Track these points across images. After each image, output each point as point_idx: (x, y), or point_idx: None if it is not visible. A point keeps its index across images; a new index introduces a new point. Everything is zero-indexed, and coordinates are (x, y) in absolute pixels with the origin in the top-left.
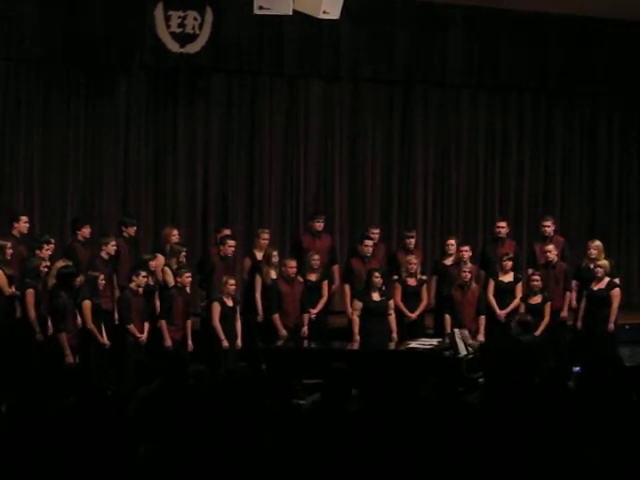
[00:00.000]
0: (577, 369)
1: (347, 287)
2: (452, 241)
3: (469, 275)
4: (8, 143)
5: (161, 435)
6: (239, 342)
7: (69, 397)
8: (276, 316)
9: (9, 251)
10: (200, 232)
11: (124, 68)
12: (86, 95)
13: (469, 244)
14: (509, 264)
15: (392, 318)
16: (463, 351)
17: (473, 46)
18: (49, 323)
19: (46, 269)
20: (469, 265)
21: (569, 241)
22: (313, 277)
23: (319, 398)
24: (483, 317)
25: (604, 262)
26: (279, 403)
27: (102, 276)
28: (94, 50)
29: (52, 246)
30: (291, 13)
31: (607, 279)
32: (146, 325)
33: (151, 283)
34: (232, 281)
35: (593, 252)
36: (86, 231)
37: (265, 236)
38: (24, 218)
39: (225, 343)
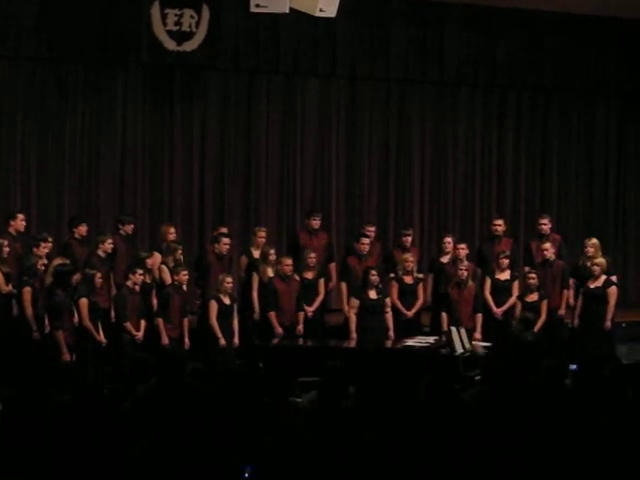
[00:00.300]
0: (574, 367)
1: (344, 285)
2: (449, 239)
3: (466, 273)
4: (4, 140)
5: (158, 433)
6: (236, 340)
7: (66, 395)
8: (272, 314)
9: (5, 249)
10: (197, 230)
11: (121, 66)
12: (83, 93)
13: (466, 242)
14: (506, 262)
15: (389, 316)
16: (460, 349)
17: (470, 44)
18: (46, 321)
19: (43, 267)
20: (466, 263)
21: (566, 239)
22: (310, 275)
23: (316, 396)
24: (480, 315)
25: (601, 260)
26: (276, 401)
27: (99, 274)
28: (91, 48)
29: (49, 244)
30: (288, 11)
31: (604, 277)
32: (143, 323)
33: (148, 281)
34: (229, 279)
35: (590, 250)
36: (83, 229)
37: (262, 234)
38: (21, 216)
39: (222, 341)
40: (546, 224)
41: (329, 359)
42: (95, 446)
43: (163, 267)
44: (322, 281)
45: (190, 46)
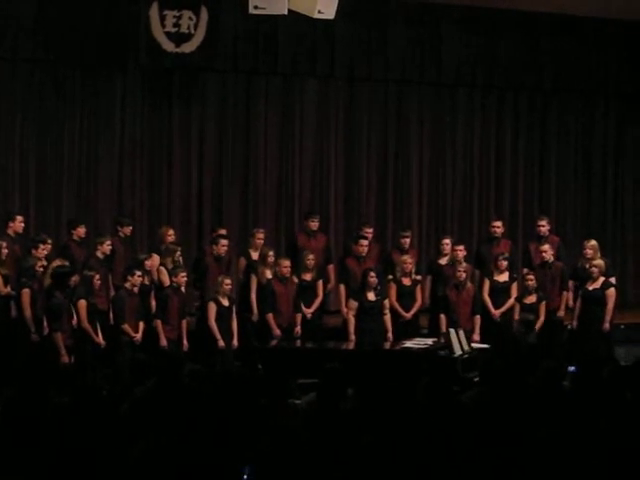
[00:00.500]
0: (572, 369)
1: (342, 287)
2: (447, 240)
3: (464, 275)
4: (3, 142)
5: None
6: (235, 342)
7: (64, 396)
8: (270, 316)
9: (4, 251)
10: (195, 232)
11: (119, 68)
12: (81, 94)
13: (464, 243)
14: (504, 264)
15: (387, 318)
16: (458, 351)
17: (468, 45)
18: (44, 323)
19: (42, 269)
20: (464, 265)
21: (564, 240)
22: (308, 277)
23: (314, 398)
24: (478, 317)
25: (599, 262)
26: (274, 402)
27: (98, 276)
28: (89, 49)
29: (48, 246)
30: (286, 13)
31: (602, 279)
32: (141, 325)
33: (147, 283)
34: (228, 281)
35: (589, 252)
36: (81, 231)
37: (260, 236)
38: (19, 218)
39: (221, 343)
40: (544, 225)
41: (328, 361)
42: (94, 448)
43: (162, 269)
44: (320, 283)
45: (189, 48)
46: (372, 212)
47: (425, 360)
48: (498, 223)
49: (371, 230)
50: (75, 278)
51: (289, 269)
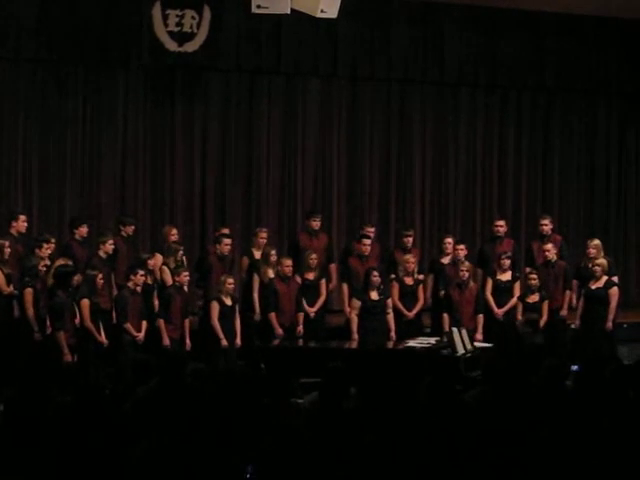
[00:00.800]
0: (575, 368)
1: (345, 286)
2: (449, 239)
3: (467, 274)
4: (6, 142)
5: (159, 434)
6: (238, 341)
7: (67, 396)
8: (272, 315)
9: (7, 250)
10: (198, 231)
11: (122, 67)
12: (84, 94)
13: (467, 243)
14: (507, 263)
15: (390, 317)
16: (461, 350)
17: (470, 45)
18: (47, 322)
19: (45, 268)
20: (467, 264)
21: (567, 240)
22: (311, 276)
23: (317, 397)
24: (481, 316)
25: (602, 261)
26: (277, 402)
27: (100, 275)
28: (92, 49)
29: (52, 245)
30: (289, 12)
31: (605, 278)
32: (144, 324)
33: (149, 282)
34: (230, 280)
35: (592, 251)
36: (83, 230)
37: (263, 235)
38: (22, 217)
39: (224, 342)
40: (547, 225)
41: (330, 360)
42: (96, 447)
43: (164, 268)
44: (324, 282)
45: (191, 47)
46: (375, 211)
47: (428, 359)
48: (501, 222)
49: (373, 229)
50: (77, 277)
51: (291, 268)
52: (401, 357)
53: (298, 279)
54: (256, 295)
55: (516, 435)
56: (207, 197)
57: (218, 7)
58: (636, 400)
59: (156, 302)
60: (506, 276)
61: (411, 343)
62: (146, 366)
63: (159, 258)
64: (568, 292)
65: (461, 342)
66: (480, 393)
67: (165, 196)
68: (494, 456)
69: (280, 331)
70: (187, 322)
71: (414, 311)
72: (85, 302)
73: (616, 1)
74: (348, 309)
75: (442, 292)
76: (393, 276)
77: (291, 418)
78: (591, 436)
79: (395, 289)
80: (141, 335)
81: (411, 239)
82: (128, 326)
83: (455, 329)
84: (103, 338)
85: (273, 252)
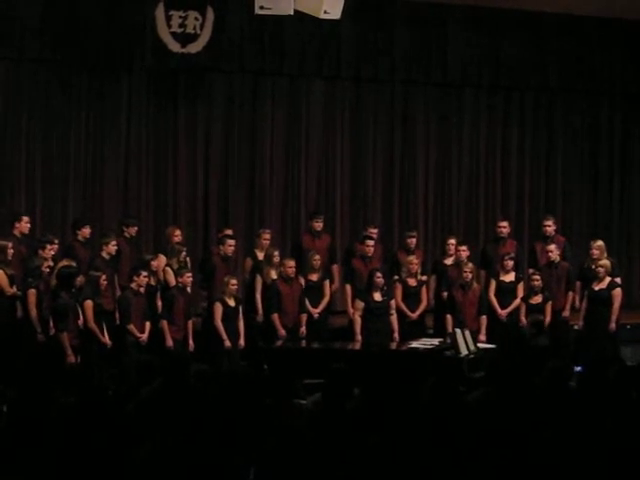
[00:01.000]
0: (579, 369)
1: (348, 287)
2: (452, 241)
3: (470, 275)
4: (9, 143)
5: (162, 435)
6: (242, 342)
7: (70, 397)
8: (275, 316)
9: (10, 251)
10: (201, 232)
11: (125, 68)
12: (87, 95)
13: (470, 244)
14: (510, 264)
15: (394, 318)
16: (464, 351)
17: (474, 45)
18: (51, 323)
19: (48, 269)
20: (470, 265)
21: (571, 241)
22: (314, 277)
23: (320, 398)
24: (484, 317)
25: (605, 262)
26: (280, 403)
27: (104, 276)
28: (95, 50)
29: (55, 246)
30: (292, 13)
31: (608, 279)
32: (147, 325)
33: (153, 283)
34: (234, 281)
35: (595, 252)
36: (86, 231)
37: (266, 236)
38: (25, 218)
39: (227, 343)
40: (550, 225)
41: (333, 361)
42: (99, 448)
43: (167, 269)
44: (327, 283)
45: (194, 48)
46: (378, 212)
47: (431, 360)
48: (504, 223)
49: (376, 230)
50: (80, 279)
51: (294, 269)
52: (404, 358)
53: (301, 280)
54: (259, 296)
55: (519, 436)
56: (210, 198)
57: (221, 8)
58: (639, 401)
59: (159, 303)
60: (509, 277)
61: (414, 344)
62: (149, 367)
63: (162, 259)
64: (570, 293)
65: (464, 343)
66: (483, 394)
67: (168, 198)
68: (497, 457)
69: (283, 332)
70: (190, 323)
71: (417, 312)
72: (88, 303)
73: (619, 2)
74: (351, 310)
75: (445, 293)
76: (396, 277)
77: (294, 419)
78: (594, 437)
79: (398, 290)
80: (144, 336)
81: (414, 240)
82: (131, 327)
83: (458, 330)
84: (106, 339)
85: (276, 253)
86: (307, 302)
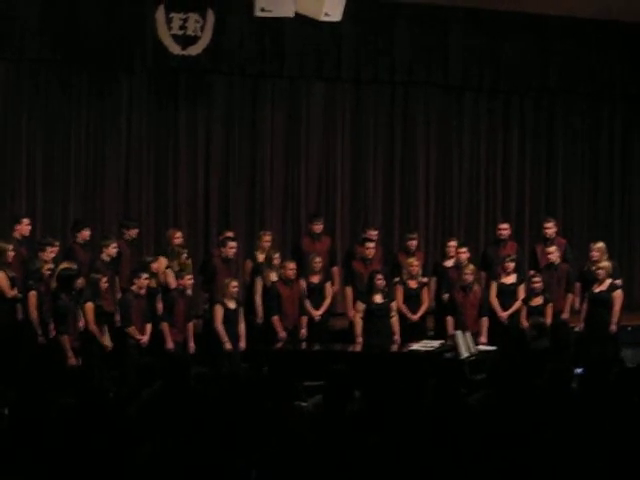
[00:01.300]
0: (580, 370)
1: (349, 289)
2: (453, 243)
3: (471, 277)
4: (10, 145)
5: (162, 437)
6: (242, 344)
7: (71, 399)
8: (275, 318)
9: (10, 253)
10: (202, 234)
11: (125, 70)
12: (87, 97)
13: (468, 246)
14: (511, 266)
15: (395, 320)
16: (465, 353)
17: (474, 47)
18: (51, 325)
19: (49, 271)
20: (470, 267)
21: (571, 243)
22: (316, 279)
23: (321, 400)
24: (485, 319)
25: (606, 264)
26: (281, 405)
27: (105, 278)
28: (95, 52)
29: (56, 248)
30: (293, 15)
31: (609, 281)
32: (148, 327)
33: (153, 285)
34: (234, 283)
35: (595, 254)
36: (86, 233)
37: (267, 238)
38: (26, 220)
39: (228, 345)
40: (551, 228)
41: (334, 363)
42: (100, 450)
43: (168, 271)
44: (329, 285)
45: (195, 50)
46: (378, 214)
47: (432, 362)
48: (505, 225)
49: (376, 232)
50: (81, 281)
51: (294, 271)
52: (405, 360)
53: (302, 282)
54: (259, 298)
55: (520, 438)
56: (211, 200)
57: (222, 10)
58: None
59: (160, 305)
60: (510, 279)
61: (415, 346)
62: (150, 369)
63: (163, 261)
64: (570, 295)
65: (465, 345)
66: (484, 396)
67: (169, 199)
68: (498, 459)
69: (283, 334)
70: (191, 325)
71: (418, 314)
72: (89, 305)
73: (619, 4)
74: (352, 312)
75: (446, 295)
76: (397, 279)
77: (295, 421)
78: (595, 439)
79: (399, 292)
80: (145, 338)
81: (415, 242)
82: (132, 329)
83: (459, 332)
84: (107, 341)
85: (276, 255)
86: (308, 304)
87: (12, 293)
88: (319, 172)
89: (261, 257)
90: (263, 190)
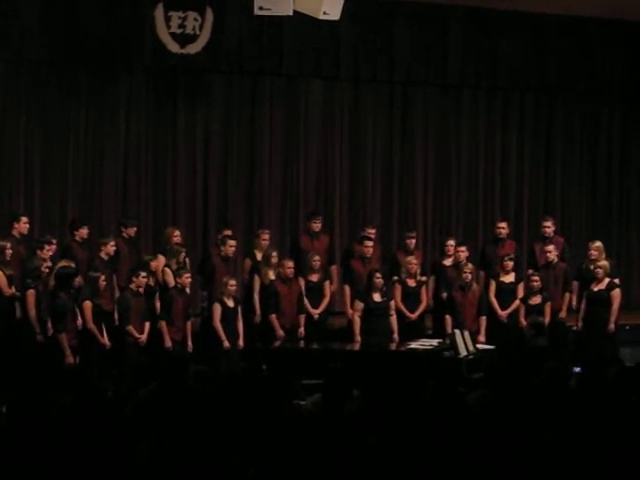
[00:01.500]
0: (578, 369)
1: (347, 288)
2: (451, 241)
3: (470, 276)
4: (8, 143)
5: (161, 436)
6: (241, 342)
7: (69, 397)
8: (273, 316)
9: (8, 252)
10: (200, 233)
11: (124, 69)
12: (86, 96)
13: (467, 244)
14: (510, 264)
15: (393, 319)
16: (463, 352)
17: (473, 46)
18: (49, 324)
19: (47, 270)
20: (470, 266)
21: (569, 241)
22: (315, 278)
23: (319, 399)
24: (484, 318)
25: (604, 263)
26: (279, 403)
27: (103, 277)
28: (94, 50)
29: (53, 247)
30: (291, 14)
31: (607, 280)
32: (146, 326)
33: (152, 284)
34: (232, 282)
35: (593, 253)
36: (84, 232)
37: (265, 237)
38: (24, 219)
39: (226, 344)
40: (549, 226)
41: (333, 362)
42: (98, 448)
43: (167, 270)
44: (327, 283)
45: (194, 49)
46: (377, 213)
47: (430, 361)
48: (503, 224)
49: (374, 231)
50: (79, 279)
51: (292, 270)
52: (403, 359)
53: (300, 281)
54: (257, 296)
55: (518, 437)
56: (209, 199)
57: (220, 9)
58: (638, 402)
59: (158, 304)
60: (509, 278)
61: (413, 345)
62: (148, 368)
63: (161, 260)
64: (567, 294)
65: (463, 344)
66: (482, 395)
67: (167, 198)
68: (496, 458)
69: (281, 333)
70: (189, 324)
71: (417, 313)
72: (87, 304)
73: (618, 3)
74: (350, 311)
75: (444, 294)
76: (396, 278)
77: (293, 420)
78: (593, 438)
79: (398, 291)
80: (143, 337)
81: (414, 241)
82: (130, 328)
83: (457, 331)
84: (105, 340)
85: (274, 254)
86: (307, 303)
87: (10, 291)
88: (318, 171)
89: (259, 255)
90: (262, 188)
